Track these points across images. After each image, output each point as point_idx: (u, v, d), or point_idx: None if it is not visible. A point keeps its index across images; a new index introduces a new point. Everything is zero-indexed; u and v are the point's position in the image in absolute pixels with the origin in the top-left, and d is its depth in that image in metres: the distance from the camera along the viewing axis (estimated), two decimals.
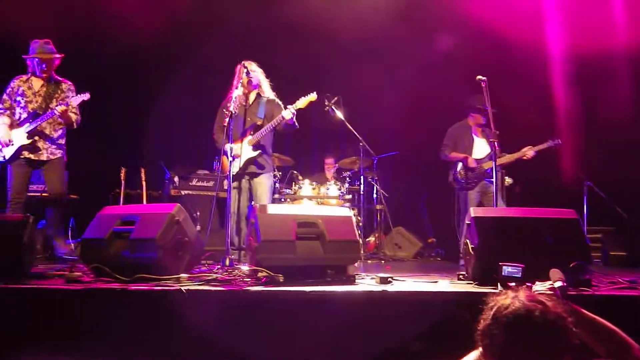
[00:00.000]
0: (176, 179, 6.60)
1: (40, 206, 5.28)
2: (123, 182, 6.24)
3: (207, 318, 2.79)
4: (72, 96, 4.79)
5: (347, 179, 6.39)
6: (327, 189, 6.11)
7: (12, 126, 4.74)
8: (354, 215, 5.28)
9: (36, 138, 4.70)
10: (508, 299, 1.55)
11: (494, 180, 4.37)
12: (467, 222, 3.37)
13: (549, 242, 3.13)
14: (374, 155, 6.28)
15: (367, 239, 6.61)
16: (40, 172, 4.87)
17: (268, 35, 6.96)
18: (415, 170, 7.32)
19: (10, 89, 4.81)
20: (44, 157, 4.73)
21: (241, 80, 4.61)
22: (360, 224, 5.99)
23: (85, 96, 4.74)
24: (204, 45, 6.87)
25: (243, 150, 4.70)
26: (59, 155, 4.80)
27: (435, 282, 3.40)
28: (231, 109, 4.29)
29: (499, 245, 3.10)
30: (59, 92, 4.80)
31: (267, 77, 4.90)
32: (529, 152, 5.50)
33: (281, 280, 3.02)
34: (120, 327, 2.77)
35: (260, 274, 3.10)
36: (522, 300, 1.52)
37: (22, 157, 4.68)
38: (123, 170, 6.28)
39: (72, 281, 3.10)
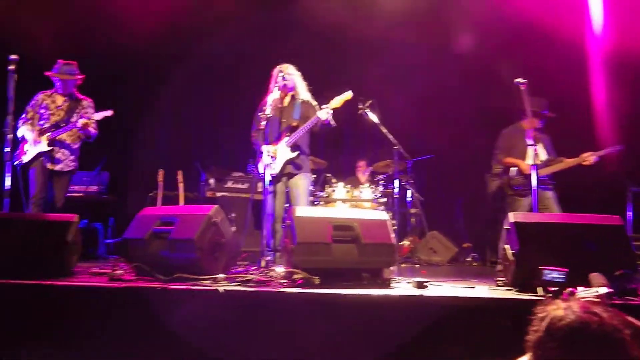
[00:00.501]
0: (211, 180, 6.67)
1: (80, 207, 5.44)
2: (161, 183, 6.31)
3: (243, 318, 2.82)
4: (92, 112, 4.98)
5: (381, 182, 6.34)
6: (361, 192, 6.08)
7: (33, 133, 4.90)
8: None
9: (55, 148, 4.88)
10: (560, 310, 1.46)
11: (534, 185, 4.27)
12: (506, 227, 3.31)
13: (591, 249, 3.05)
14: (409, 158, 6.21)
15: (401, 243, 6.54)
16: (55, 178, 4.94)
17: (299, 35, 6.95)
18: (451, 173, 7.20)
19: (34, 102, 5.02)
20: (57, 168, 4.90)
21: (277, 84, 4.67)
22: (395, 227, 5.94)
23: (108, 113, 4.92)
24: (238, 48, 6.93)
25: (281, 152, 4.74)
26: (72, 167, 4.98)
27: (473, 287, 3.34)
28: (267, 112, 4.38)
29: (540, 252, 3.02)
30: (80, 107, 5.03)
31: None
32: (589, 157, 5.20)
33: (317, 282, 3.03)
34: (158, 324, 2.83)
35: (296, 276, 3.11)
36: (577, 312, 1.43)
37: (39, 162, 4.85)
38: (161, 172, 6.34)
39: (115, 279, 3.18)
